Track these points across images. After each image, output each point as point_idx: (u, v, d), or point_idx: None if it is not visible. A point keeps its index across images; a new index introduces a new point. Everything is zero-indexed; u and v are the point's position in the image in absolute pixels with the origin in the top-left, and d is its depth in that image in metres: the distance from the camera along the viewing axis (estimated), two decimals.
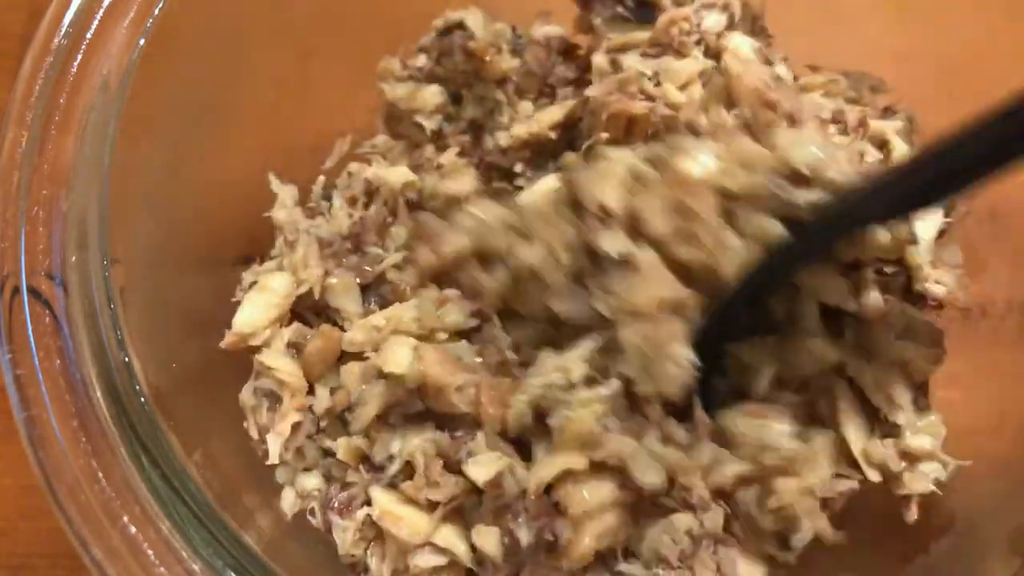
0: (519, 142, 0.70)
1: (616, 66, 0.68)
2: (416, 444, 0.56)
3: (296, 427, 0.60)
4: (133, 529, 0.45)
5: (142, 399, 0.49)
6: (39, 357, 0.47)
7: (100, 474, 0.46)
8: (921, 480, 0.60)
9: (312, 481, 0.61)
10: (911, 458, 0.60)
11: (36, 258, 0.51)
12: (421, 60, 0.73)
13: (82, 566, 0.78)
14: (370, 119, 0.74)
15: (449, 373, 0.55)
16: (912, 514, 0.60)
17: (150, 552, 0.45)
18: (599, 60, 0.68)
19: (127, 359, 0.49)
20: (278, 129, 0.70)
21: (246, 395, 0.61)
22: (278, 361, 0.60)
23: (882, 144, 0.67)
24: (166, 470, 0.48)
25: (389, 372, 0.55)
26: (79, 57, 0.55)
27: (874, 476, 0.59)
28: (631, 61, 0.68)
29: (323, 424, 0.61)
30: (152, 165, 0.60)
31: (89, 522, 0.45)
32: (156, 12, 0.57)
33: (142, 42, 0.57)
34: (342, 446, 0.59)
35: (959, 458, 0.61)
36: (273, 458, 0.60)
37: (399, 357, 0.55)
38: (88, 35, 0.56)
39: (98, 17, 0.57)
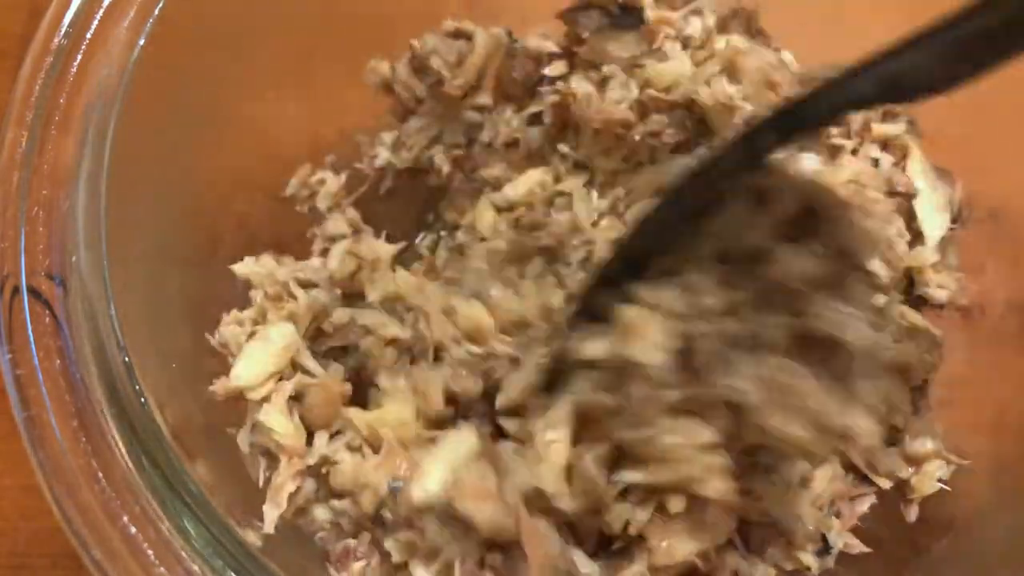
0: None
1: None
2: None
3: (293, 495, 0.59)
4: (133, 529, 0.45)
5: (142, 399, 0.49)
6: (39, 357, 0.47)
7: (100, 474, 0.46)
8: (928, 481, 0.60)
9: (321, 513, 0.60)
10: (916, 461, 0.60)
11: (36, 258, 0.51)
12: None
13: (82, 566, 0.78)
14: (368, 118, 0.74)
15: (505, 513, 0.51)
16: (912, 513, 0.60)
17: (150, 552, 0.45)
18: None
19: (127, 359, 0.49)
20: (278, 129, 0.70)
21: (243, 444, 0.59)
22: (277, 422, 0.58)
23: (885, 144, 0.67)
24: (166, 470, 0.47)
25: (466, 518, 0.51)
26: (79, 57, 0.55)
27: (885, 484, 0.59)
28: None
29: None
30: (152, 165, 0.60)
31: (89, 522, 0.45)
32: (156, 12, 0.57)
33: (142, 42, 0.57)
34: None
35: (959, 458, 0.61)
36: (268, 528, 0.57)
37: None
38: (88, 35, 0.56)
39: (98, 17, 0.57)
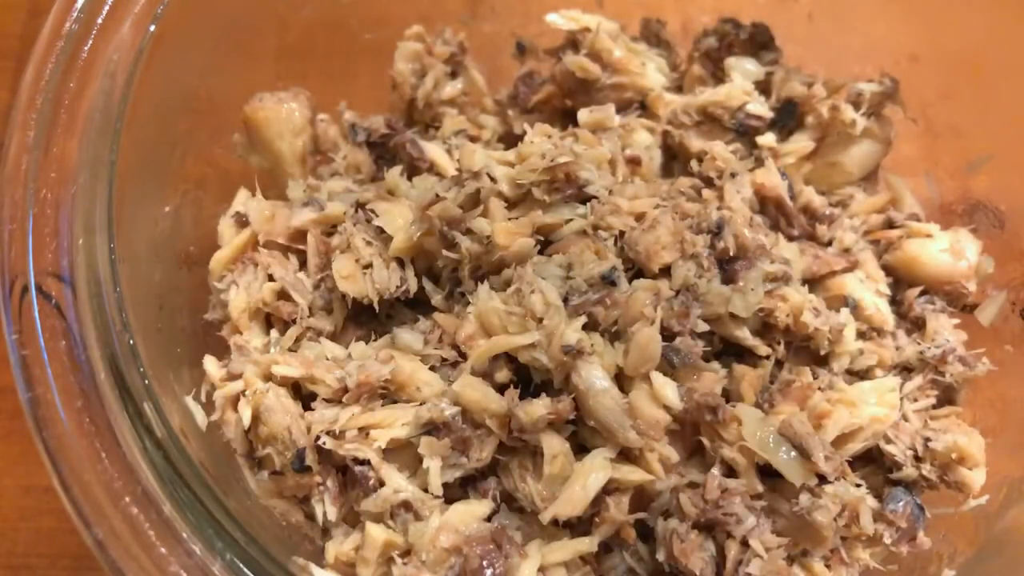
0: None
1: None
2: None
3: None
4: (135, 510, 0.45)
5: (146, 381, 0.49)
6: (44, 338, 0.47)
7: (103, 454, 0.46)
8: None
9: None
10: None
11: (43, 254, 0.51)
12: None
13: (81, 566, 0.78)
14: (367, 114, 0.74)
15: None
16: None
17: (151, 533, 0.45)
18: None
19: (132, 341, 0.49)
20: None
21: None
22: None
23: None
24: (169, 451, 0.48)
25: None
26: (82, 59, 0.56)
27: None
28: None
29: None
30: (154, 160, 0.61)
31: (91, 502, 0.45)
32: (159, 12, 0.58)
33: (144, 43, 0.58)
34: None
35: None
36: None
37: None
38: (91, 37, 0.56)
39: (101, 18, 0.57)
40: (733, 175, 0.64)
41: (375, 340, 0.59)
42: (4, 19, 0.94)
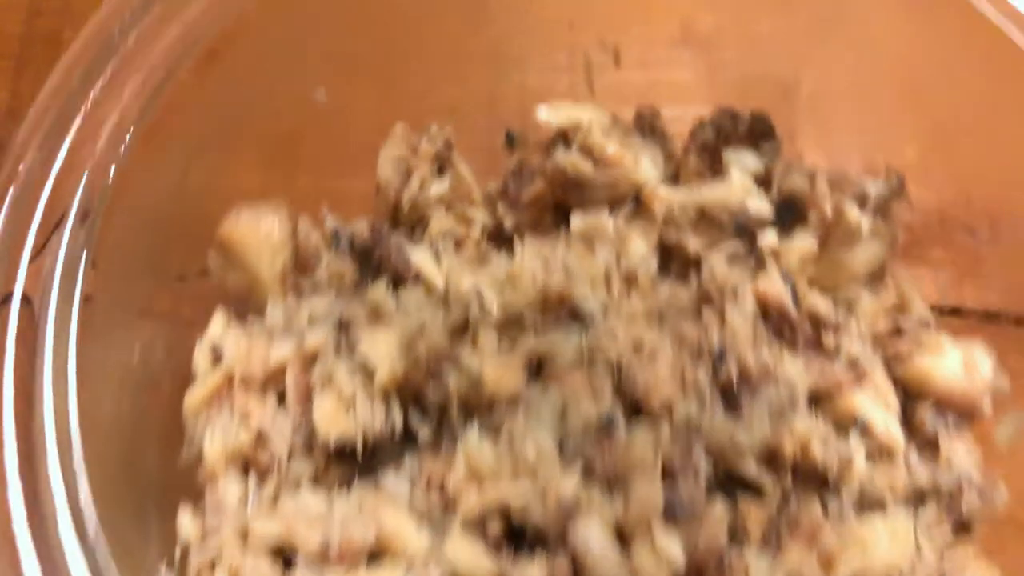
0: None
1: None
2: None
3: None
4: None
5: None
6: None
7: None
8: None
9: None
10: None
11: None
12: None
13: None
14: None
15: None
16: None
17: None
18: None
19: (97, 514, 0.46)
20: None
21: None
22: None
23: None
24: None
25: None
26: (47, 188, 0.53)
27: None
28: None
29: None
30: (126, 287, 0.58)
31: None
32: (130, 131, 0.56)
33: (118, 161, 0.55)
34: None
35: None
36: None
37: None
38: (56, 165, 0.54)
39: (70, 136, 0.55)
40: (735, 291, 0.61)
41: (358, 479, 0.56)
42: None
